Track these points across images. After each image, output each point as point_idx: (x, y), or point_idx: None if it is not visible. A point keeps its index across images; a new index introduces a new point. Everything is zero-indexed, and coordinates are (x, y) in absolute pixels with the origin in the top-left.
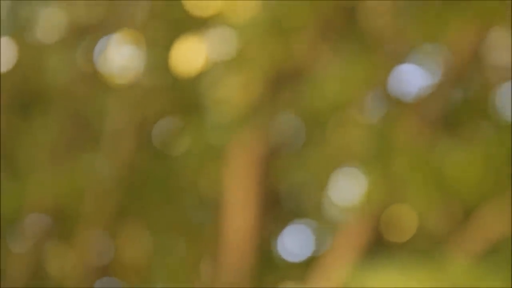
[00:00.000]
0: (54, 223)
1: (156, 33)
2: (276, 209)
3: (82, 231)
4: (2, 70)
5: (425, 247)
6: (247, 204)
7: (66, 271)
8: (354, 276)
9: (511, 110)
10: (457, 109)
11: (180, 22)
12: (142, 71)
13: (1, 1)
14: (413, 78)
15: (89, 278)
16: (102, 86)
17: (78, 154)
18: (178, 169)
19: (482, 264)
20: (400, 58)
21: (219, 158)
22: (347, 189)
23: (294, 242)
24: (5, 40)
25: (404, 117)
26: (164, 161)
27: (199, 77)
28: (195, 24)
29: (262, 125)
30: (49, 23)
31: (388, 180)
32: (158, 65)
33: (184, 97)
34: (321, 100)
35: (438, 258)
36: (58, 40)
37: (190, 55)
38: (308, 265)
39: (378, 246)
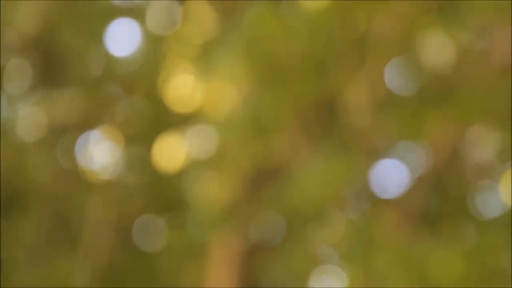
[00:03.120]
0: None
1: (136, 129)
2: None
3: None
4: None
5: None
6: None
7: None
8: None
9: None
10: (437, 206)
11: (160, 119)
12: (122, 167)
13: None
14: (393, 174)
15: None
16: (82, 183)
17: (58, 252)
18: (159, 266)
19: None
20: (380, 155)
21: (199, 255)
22: (328, 286)
23: None
24: None
25: (385, 213)
26: (144, 259)
27: (180, 174)
28: (176, 121)
29: (243, 222)
30: (30, 122)
31: (369, 276)
32: (138, 161)
33: (164, 194)
34: (302, 197)
35: None
36: (39, 138)
37: (170, 152)
38: None
39: None
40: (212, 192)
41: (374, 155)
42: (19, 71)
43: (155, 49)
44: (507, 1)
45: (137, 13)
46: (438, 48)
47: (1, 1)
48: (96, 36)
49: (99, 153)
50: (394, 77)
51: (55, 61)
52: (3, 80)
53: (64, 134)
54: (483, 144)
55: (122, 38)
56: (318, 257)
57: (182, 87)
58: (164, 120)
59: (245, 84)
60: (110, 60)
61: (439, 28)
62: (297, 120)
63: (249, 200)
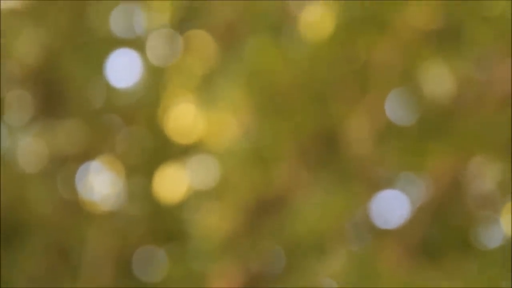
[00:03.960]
0: None
1: (136, 160)
2: None
3: None
4: None
5: None
6: None
7: None
8: None
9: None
10: (438, 237)
11: (161, 150)
12: (123, 198)
13: None
14: (393, 205)
15: None
16: (83, 213)
17: (58, 283)
18: None
19: None
20: (380, 185)
21: (200, 285)
22: None
23: None
24: None
25: (385, 244)
26: None
27: (180, 204)
28: (176, 152)
29: (243, 253)
30: (30, 153)
31: None
32: (139, 192)
33: (165, 225)
34: (302, 228)
35: None
36: (40, 169)
37: (171, 182)
38: None
39: None
40: (212, 223)
41: (375, 186)
42: (20, 102)
43: (155, 79)
44: (507, 32)
45: (137, 44)
46: (438, 79)
47: (1, 32)
48: (97, 67)
49: (100, 183)
50: (395, 108)
51: (56, 92)
52: (3, 111)
53: (64, 165)
54: (484, 175)
55: (123, 69)
56: None
57: (183, 117)
58: (164, 150)
59: (245, 114)
60: (110, 90)
61: (440, 59)
62: (297, 151)
63: (250, 231)
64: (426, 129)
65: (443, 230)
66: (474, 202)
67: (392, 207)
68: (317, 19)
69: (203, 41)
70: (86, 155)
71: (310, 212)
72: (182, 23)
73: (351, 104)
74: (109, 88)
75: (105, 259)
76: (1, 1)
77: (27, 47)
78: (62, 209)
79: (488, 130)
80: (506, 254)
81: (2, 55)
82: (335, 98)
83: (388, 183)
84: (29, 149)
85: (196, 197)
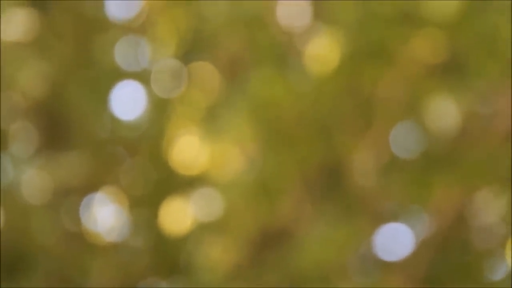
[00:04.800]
0: None
1: (141, 192)
2: None
3: None
4: None
5: None
6: None
7: None
8: None
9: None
10: (442, 270)
11: (165, 181)
12: (127, 230)
13: None
14: (398, 238)
15: None
16: (87, 245)
17: None
18: None
19: None
20: (385, 218)
21: None
22: None
23: None
24: None
25: (390, 277)
26: None
27: (184, 237)
28: (181, 184)
29: (247, 285)
30: (34, 185)
31: None
32: (143, 224)
33: (169, 257)
34: (306, 261)
35: None
36: (44, 200)
37: (175, 214)
38: None
39: None
40: (216, 255)
41: (379, 218)
42: (24, 134)
43: (160, 111)
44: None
45: (142, 76)
46: (443, 112)
47: (6, 63)
48: (101, 98)
49: (104, 215)
50: (399, 141)
51: (60, 123)
52: (7, 143)
53: (68, 196)
54: (488, 208)
55: (127, 101)
56: None
57: (187, 149)
58: (169, 182)
59: (250, 146)
60: (115, 122)
61: (444, 92)
62: (302, 183)
63: (254, 263)
64: (430, 162)
65: (448, 263)
66: (479, 235)
67: (396, 240)
68: (322, 52)
69: (208, 73)
70: (90, 187)
71: (315, 245)
72: (187, 55)
73: (356, 137)
74: (114, 120)
75: None
76: (6, 33)
77: (31, 78)
78: (65, 240)
79: (492, 164)
80: (509, 286)
81: (6, 87)
82: (340, 131)
83: (392, 216)
84: (33, 181)
85: (200, 230)
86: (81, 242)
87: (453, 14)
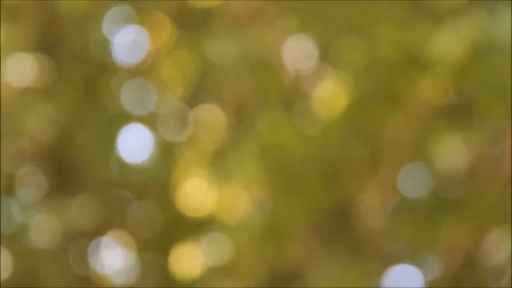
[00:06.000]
0: None
1: (148, 235)
2: None
3: None
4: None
5: None
6: None
7: None
8: None
9: None
10: None
11: (173, 225)
12: (134, 273)
13: None
14: (406, 280)
15: None
16: None
17: None
18: None
19: None
20: (393, 260)
21: None
22: None
23: None
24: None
25: None
26: None
27: (193, 281)
28: (189, 227)
29: None
30: (43, 229)
31: None
32: (150, 267)
33: None
34: None
35: None
36: (52, 245)
37: (183, 258)
38: None
39: None
40: None
41: (388, 260)
42: (32, 179)
43: (167, 154)
44: None
45: (149, 119)
46: (451, 153)
47: (14, 109)
48: (108, 142)
49: (112, 259)
50: (408, 182)
51: (68, 167)
52: (15, 187)
53: (76, 240)
54: (497, 249)
55: (134, 144)
56: None
57: (195, 192)
58: (176, 225)
59: (258, 189)
60: (122, 166)
61: (452, 133)
62: (310, 225)
63: None
64: (439, 204)
65: None
66: (488, 277)
67: (405, 281)
68: (329, 95)
69: (214, 116)
70: (98, 230)
71: (324, 287)
72: (193, 98)
73: (364, 179)
74: (121, 163)
75: None
76: (15, 79)
77: (38, 123)
78: (74, 284)
79: (501, 205)
80: None
81: (14, 131)
82: (348, 173)
83: (401, 257)
84: (41, 225)
85: (209, 273)
86: (89, 286)
87: (459, 56)
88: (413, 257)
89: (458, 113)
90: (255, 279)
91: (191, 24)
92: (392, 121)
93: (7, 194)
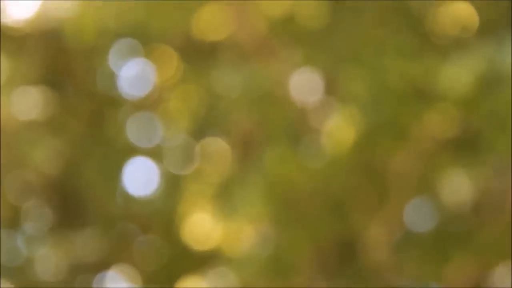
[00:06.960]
0: None
1: (153, 269)
2: None
3: None
4: None
5: None
6: None
7: None
8: None
9: None
10: None
11: (178, 258)
12: None
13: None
14: None
15: None
16: None
17: None
18: None
19: None
20: None
21: None
22: None
23: None
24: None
25: None
26: None
27: None
28: (194, 260)
29: None
30: (48, 262)
31: None
32: None
33: None
34: None
35: None
36: (57, 278)
37: None
38: None
39: None
40: None
41: None
42: (37, 212)
43: (172, 187)
44: None
45: (154, 152)
46: (457, 187)
47: (20, 142)
48: (114, 175)
49: None
50: (414, 216)
51: (73, 200)
52: (21, 221)
53: (82, 274)
54: (503, 284)
55: (140, 177)
56: None
57: (200, 226)
58: (182, 259)
59: (263, 223)
60: (127, 199)
61: (458, 167)
62: (316, 259)
63: None
64: (444, 238)
65: None
66: None
67: None
68: (335, 128)
69: (220, 149)
70: (103, 264)
71: None
72: (199, 131)
73: (370, 212)
74: (126, 197)
75: None
76: (21, 112)
77: (44, 156)
78: None
79: (507, 239)
80: None
81: (20, 165)
82: (353, 207)
83: None
84: (47, 258)
85: None
86: None
87: (466, 90)
88: None
89: (464, 146)
90: None
91: (197, 57)
92: (399, 154)
93: (13, 227)
